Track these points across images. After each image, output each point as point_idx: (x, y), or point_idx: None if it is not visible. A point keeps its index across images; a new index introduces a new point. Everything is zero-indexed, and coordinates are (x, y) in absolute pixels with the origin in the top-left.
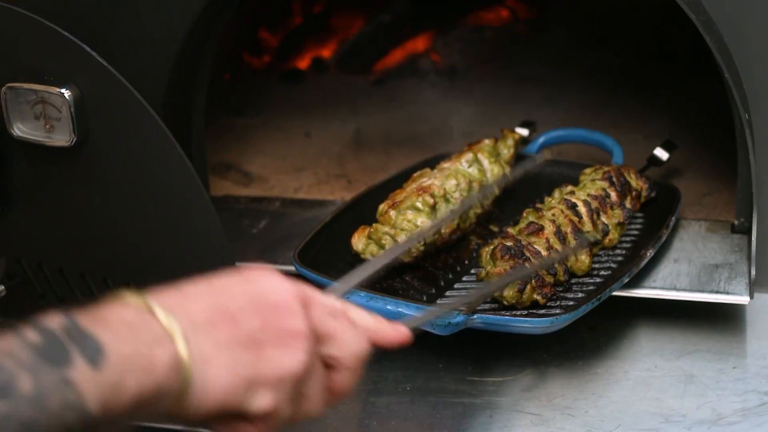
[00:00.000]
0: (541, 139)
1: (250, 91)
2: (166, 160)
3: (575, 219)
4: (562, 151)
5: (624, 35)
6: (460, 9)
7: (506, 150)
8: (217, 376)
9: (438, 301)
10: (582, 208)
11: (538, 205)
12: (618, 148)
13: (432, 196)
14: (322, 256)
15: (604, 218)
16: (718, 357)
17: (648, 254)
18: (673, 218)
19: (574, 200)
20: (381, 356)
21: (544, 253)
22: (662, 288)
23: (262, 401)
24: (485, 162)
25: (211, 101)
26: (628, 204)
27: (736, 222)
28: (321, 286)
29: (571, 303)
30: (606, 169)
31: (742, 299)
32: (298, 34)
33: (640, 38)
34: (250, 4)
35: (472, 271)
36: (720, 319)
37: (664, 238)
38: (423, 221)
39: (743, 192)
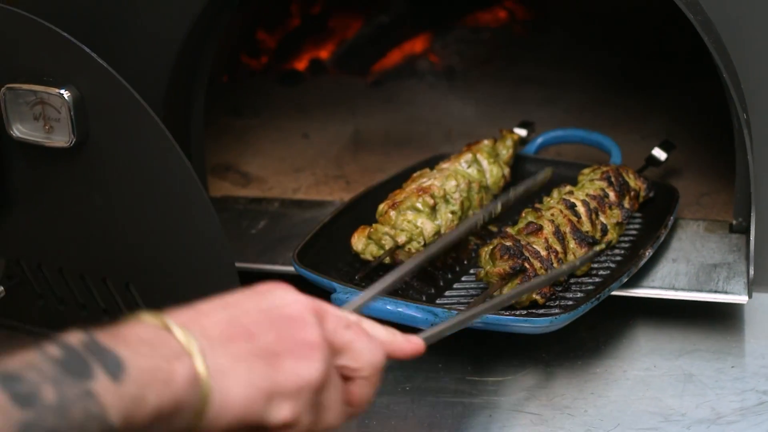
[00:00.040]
0: (540, 140)
1: (248, 93)
2: (166, 161)
3: (574, 219)
4: (561, 151)
5: (623, 35)
6: (458, 10)
7: (505, 150)
8: (235, 388)
9: (437, 301)
10: (581, 208)
11: (537, 205)
12: (616, 148)
13: (432, 196)
14: (321, 257)
15: (602, 218)
16: (716, 356)
17: (647, 254)
18: (672, 218)
19: (572, 200)
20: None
21: (543, 253)
22: (661, 288)
23: (281, 412)
24: (484, 162)
25: (210, 102)
26: (626, 204)
27: (734, 222)
28: (320, 286)
29: (570, 303)
30: (604, 169)
31: (741, 299)
32: (296, 36)
33: (639, 38)
34: (248, 4)
35: (471, 271)
36: (718, 319)
37: (662, 238)
38: (423, 222)
39: (741, 192)
